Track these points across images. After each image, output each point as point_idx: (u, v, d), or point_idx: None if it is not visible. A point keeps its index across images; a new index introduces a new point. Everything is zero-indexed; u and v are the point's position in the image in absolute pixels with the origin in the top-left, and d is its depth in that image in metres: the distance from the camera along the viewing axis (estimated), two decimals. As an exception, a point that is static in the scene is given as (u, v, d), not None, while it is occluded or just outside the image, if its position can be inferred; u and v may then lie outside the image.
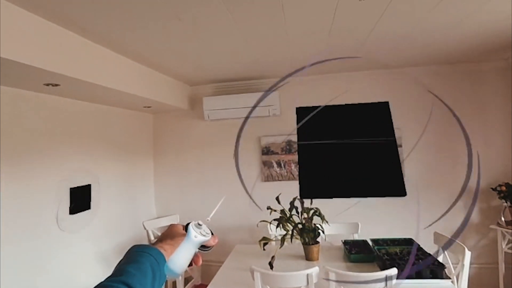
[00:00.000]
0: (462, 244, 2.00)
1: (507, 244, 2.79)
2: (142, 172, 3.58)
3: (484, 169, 3.01)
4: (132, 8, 1.62)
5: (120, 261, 0.60)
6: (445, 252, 2.19)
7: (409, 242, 2.33)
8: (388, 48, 2.57)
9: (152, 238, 3.31)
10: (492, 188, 2.92)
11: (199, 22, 1.86)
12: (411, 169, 3.14)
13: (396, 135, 3.16)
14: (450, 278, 1.86)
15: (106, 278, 0.54)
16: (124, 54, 2.36)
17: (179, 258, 0.66)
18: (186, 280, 3.25)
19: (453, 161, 3.12)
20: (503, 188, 2.82)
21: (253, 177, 3.52)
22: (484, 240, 3.05)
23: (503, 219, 2.80)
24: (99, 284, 0.52)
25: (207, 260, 3.11)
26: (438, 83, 3.16)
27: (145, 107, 3.28)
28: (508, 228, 2.73)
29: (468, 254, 1.93)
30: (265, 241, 2.20)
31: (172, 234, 0.71)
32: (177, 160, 3.73)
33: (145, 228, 3.33)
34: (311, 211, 2.39)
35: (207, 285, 1.99)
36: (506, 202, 2.81)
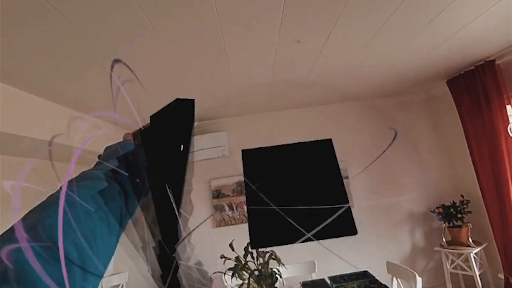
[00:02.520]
0: (413, 271, 2.06)
1: (451, 264, 2.95)
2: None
3: (423, 194, 3.24)
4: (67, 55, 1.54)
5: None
6: (398, 280, 2.23)
7: (364, 275, 2.34)
8: (328, 84, 2.77)
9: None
10: (431, 210, 3.14)
11: (141, 65, 1.82)
12: (357, 194, 3.29)
13: (342, 167, 3.30)
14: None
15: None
16: (60, 102, 2.20)
17: None
18: None
19: (395, 187, 3.32)
20: (440, 210, 3.05)
21: (206, 223, 3.36)
22: (431, 262, 3.21)
23: (444, 239, 2.99)
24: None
25: None
26: (376, 115, 3.45)
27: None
28: (449, 248, 2.91)
29: (419, 280, 1.98)
30: (221, 294, 2.05)
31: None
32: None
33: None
34: (267, 255, 2.31)
35: None
36: (445, 223, 3.02)
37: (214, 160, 3.37)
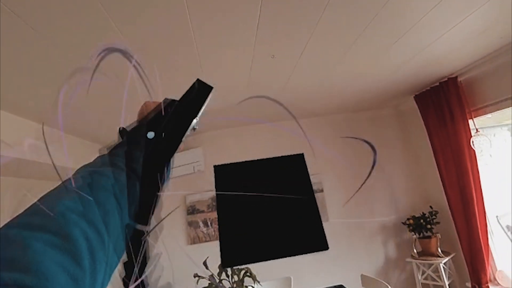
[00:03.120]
0: (385, 283, 2.08)
1: (422, 275, 3.01)
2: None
3: (394, 205, 3.33)
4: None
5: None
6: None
7: (340, 288, 2.35)
8: (304, 98, 2.82)
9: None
10: (402, 222, 3.22)
11: (112, 75, 1.76)
12: (333, 209, 3.32)
13: (317, 180, 3.35)
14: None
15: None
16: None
17: None
18: None
19: (368, 200, 3.39)
20: (411, 221, 3.13)
21: (179, 241, 3.25)
22: (403, 274, 3.27)
23: (415, 250, 3.06)
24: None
25: None
26: (347, 129, 3.55)
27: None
28: (420, 259, 2.98)
29: (391, 290, 2.01)
30: (194, 316, 1.96)
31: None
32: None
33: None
34: (242, 272, 2.26)
35: None
36: (415, 234, 3.10)
37: (190, 176, 3.31)
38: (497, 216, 2.93)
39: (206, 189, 3.32)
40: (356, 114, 3.60)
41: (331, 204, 3.33)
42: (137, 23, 1.37)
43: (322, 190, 3.40)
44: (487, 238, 2.67)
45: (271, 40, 1.69)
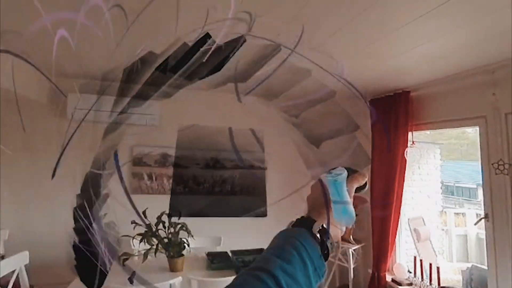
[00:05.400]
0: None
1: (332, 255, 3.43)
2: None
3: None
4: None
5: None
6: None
7: (261, 251, 2.60)
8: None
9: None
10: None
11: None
12: (274, 189, 3.56)
13: (262, 158, 3.55)
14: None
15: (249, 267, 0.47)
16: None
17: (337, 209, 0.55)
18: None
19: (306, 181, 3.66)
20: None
21: (120, 188, 3.24)
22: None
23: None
24: (242, 273, 0.46)
25: (47, 284, 2.60)
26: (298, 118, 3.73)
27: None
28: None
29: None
30: (126, 256, 2.05)
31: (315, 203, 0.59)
32: (22, 161, 3.07)
33: None
34: (178, 226, 2.38)
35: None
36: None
37: (141, 127, 3.25)
38: (408, 219, 3.40)
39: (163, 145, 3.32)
40: (319, 106, 3.76)
41: (271, 181, 3.57)
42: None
43: (266, 168, 3.60)
44: (395, 236, 3.10)
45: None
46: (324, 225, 0.54)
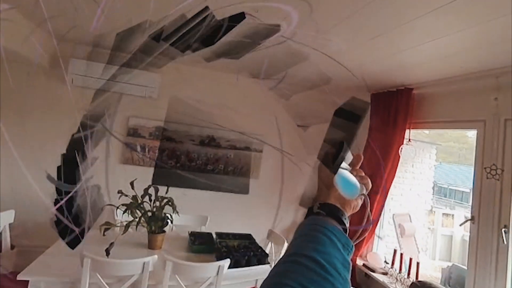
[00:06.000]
0: (283, 236, 2.39)
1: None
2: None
3: (313, 183, 3.65)
4: None
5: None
6: (272, 244, 2.59)
7: (247, 237, 2.61)
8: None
9: None
10: (313, 197, 3.59)
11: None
12: (267, 173, 3.58)
13: (258, 141, 3.55)
14: (269, 263, 2.21)
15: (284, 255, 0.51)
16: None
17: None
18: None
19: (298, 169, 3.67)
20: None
21: (111, 157, 3.24)
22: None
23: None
24: (279, 262, 0.50)
25: (28, 246, 2.58)
26: (303, 102, 3.70)
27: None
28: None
29: (285, 244, 2.33)
30: (107, 226, 2.06)
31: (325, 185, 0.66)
32: (20, 124, 3.03)
33: None
34: (164, 200, 2.38)
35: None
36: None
37: (139, 99, 3.22)
38: (393, 214, 3.42)
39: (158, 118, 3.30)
40: (306, 93, 3.71)
41: (265, 165, 3.58)
42: None
43: (261, 151, 3.60)
44: (375, 226, 3.16)
45: None
46: (338, 205, 0.63)
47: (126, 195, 2.29)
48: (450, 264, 3.65)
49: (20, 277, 1.63)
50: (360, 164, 0.70)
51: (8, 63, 3.08)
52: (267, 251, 2.43)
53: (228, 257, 1.93)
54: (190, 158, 3.45)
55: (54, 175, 2.23)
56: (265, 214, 3.56)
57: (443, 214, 6.72)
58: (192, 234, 2.52)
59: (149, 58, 2.87)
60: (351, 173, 0.67)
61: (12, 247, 2.39)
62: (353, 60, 2.53)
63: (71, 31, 2.70)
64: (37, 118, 3.05)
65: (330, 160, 0.66)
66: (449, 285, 3.23)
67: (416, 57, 2.27)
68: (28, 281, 1.65)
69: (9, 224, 2.34)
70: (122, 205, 2.25)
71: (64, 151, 2.68)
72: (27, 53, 2.66)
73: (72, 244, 2.09)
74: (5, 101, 2.91)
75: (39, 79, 3.07)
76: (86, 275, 1.63)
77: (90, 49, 3.12)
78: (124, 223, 2.13)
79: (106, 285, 1.68)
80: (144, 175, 3.17)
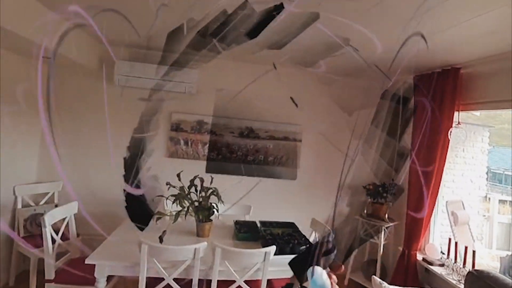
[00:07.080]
0: (328, 227, 2.39)
1: (363, 232, 3.42)
2: (26, 128, 3.09)
3: (359, 171, 3.56)
4: None
5: None
6: (316, 234, 2.59)
7: (290, 225, 2.65)
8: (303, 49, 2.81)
9: (19, 206, 2.88)
10: (363, 186, 3.50)
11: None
12: (307, 162, 3.58)
13: (297, 130, 3.54)
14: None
15: None
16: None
17: None
18: (61, 254, 2.72)
19: (340, 157, 3.61)
20: (371, 187, 3.41)
21: (158, 151, 3.43)
22: (348, 227, 3.67)
23: (365, 211, 3.41)
24: None
25: (89, 234, 2.86)
26: (342, 90, 3.63)
27: (43, 57, 2.83)
28: (366, 220, 3.35)
29: (332, 235, 2.32)
30: (159, 215, 2.21)
31: None
32: (74, 122, 3.36)
33: (14, 194, 2.88)
34: (210, 191, 2.48)
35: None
36: (370, 198, 3.41)
37: (179, 95, 3.36)
38: (447, 202, 3.26)
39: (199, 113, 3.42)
40: (349, 79, 3.62)
41: (305, 154, 3.57)
42: None
43: (300, 140, 3.60)
44: (430, 216, 3.01)
45: None
46: None
47: (174, 186, 2.42)
48: (509, 253, 3.41)
49: (88, 261, 1.82)
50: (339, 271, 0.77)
51: (65, 67, 3.34)
52: (310, 240, 2.45)
53: (274, 244, 1.98)
54: (230, 150, 3.55)
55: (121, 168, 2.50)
56: (307, 203, 3.57)
57: (500, 200, 6.24)
58: (238, 223, 2.61)
59: (196, 55, 2.97)
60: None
61: (78, 235, 2.65)
62: (391, 43, 2.41)
63: (119, 34, 2.87)
64: (95, 117, 3.35)
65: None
66: (509, 275, 3.03)
67: (461, 34, 2.12)
68: (94, 264, 1.84)
69: (74, 215, 2.59)
70: (171, 195, 2.39)
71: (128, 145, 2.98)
72: (78, 58, 2.89)
73: (141, 228, 2.29)
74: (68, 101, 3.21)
75: (89, 80, 3.34)
76: (144, 259, 1.77)
77: (136, 51, 3.31)
78: (174, 213, 2.27)
79: (162, 269, 1.82)
80: (189, 167, 3.32)
